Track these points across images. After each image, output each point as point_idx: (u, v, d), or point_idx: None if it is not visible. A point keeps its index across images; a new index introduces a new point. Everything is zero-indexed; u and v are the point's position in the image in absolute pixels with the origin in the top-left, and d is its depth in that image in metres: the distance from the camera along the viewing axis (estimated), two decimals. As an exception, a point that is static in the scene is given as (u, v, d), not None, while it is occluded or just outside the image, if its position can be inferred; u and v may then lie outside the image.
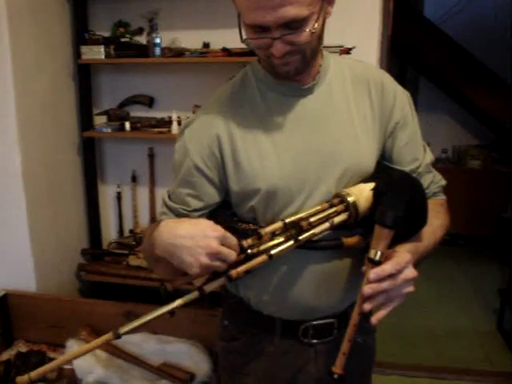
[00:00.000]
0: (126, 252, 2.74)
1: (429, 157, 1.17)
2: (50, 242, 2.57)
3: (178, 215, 1.09)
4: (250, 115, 1.06)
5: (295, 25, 0.90)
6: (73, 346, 2.15)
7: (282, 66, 0.98)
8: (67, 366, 2.07)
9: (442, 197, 1.19)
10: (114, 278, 2.65)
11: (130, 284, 2.61)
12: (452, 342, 3.20)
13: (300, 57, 0.97)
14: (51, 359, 2.20)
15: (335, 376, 0.92)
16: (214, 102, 1.11)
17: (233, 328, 1.22)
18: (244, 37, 0.95)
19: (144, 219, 2.94)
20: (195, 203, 1.09)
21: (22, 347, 2.31)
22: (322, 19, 0.96)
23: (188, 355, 2.10)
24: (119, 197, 2.94)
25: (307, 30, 0.92)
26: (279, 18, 0.88)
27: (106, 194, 2.98)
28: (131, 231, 2.92)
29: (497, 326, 3.35)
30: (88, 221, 2.88)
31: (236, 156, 1.04)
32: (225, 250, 0.90)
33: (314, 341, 1.14)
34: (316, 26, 0.92)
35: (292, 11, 0.87)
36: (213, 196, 1.09)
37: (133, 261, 2.64)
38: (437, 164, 4.94)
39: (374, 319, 0.91)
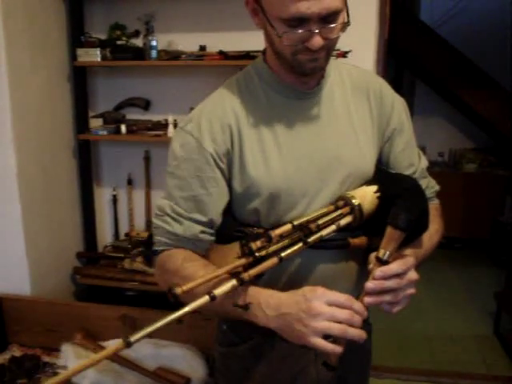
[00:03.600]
0: (122, 255, 2.73)
1: (424, 162, 1.20)
2: (45, 245, 2.55)
3: (193, 232, 1.05)
4: (255, 114, 1.06)
5: (331, 18, 0.92)
6: (67, 350, 2.13)
7: (310, 63, 0.98)
8: (61, 371, 2.06)
9: (436, 201, 1.22)
10: (109, 282, 2.63)
11: (126, 288, 2.60)
12: (448, 346, 3.19)
13: (325, 53, 0.98)
14: (46, 363, 2.19)
15: (329, 368, 0.92)
16: (220, 96, 1.09)
17: (232, 333, 1.20)
18: (275, 32, 0.95)
19: (140, 223, 2.93)
20: (217, 206, 1.05)
21: (17, 351, 2.29)
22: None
23: (184, 359, 2.09)
24: (115, 200, 2.93)
25: (340, 24, 0.94)
26: (323, 9, 0.89)
27: (102, 196, 2.96)
28: (127, 234, 2.91)
29: (493, 330, 3.34)
30: (83, 224, 2.87)
31: (242, 154, 1.04)
32: (328, 309, 0.86)
33: None
34: (346, 20, 0.95)
35: (334, 3, 0.90)
36: (227, 195, 1.07)
37: (128, 264, 2.62)
38: (433, 167, 4.97)
39: (395, 310, 0.94)
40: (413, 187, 1.07)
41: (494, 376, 2.86)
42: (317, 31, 0.92)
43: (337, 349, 0.87)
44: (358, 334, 0.87)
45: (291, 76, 1.05)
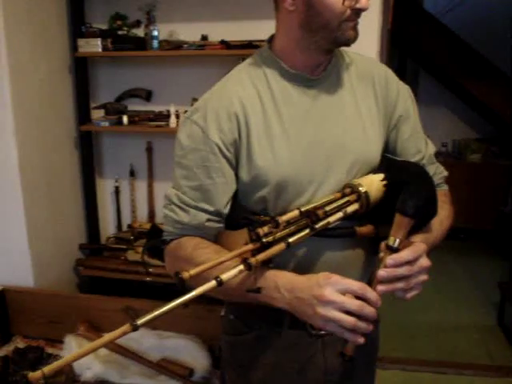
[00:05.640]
0: (125, 247, 2.73)
1: (431, 148, 1.20)
2: (48, 237, 2.55)
3: (201, 222, 1.05)
4: (262, 102, 1.05)
5: None
6: (71, 342, 2.14)
7: (352, 31, 1.01)
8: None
9: (445, 187, 1.22)
10: (112, 273, 2.63)
11: (129, 279, 2.60)
12: (452, 337, 3.19)
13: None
14: (49, 355, 2.19)
15: (346, 358, 0.93)
16: (225, 85, 1.09)
17: (239, 322, 1.20)
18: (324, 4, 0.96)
19: (142, 214, 2.92)
20: (223, 196, 1.05)
21: (20, 343, 2.30)
22: None
23: (187, 350, 2.09)
24: (117, 191, 2.92)
25: None
26: None
27: (104, 188, 2.96)
28: (129, 226, 2.90)
29: (497, 321, 3.34)
30: (86, 215, 2.87)
31: (249, 143, 1.03)
32: (339, 298, 0.86)
33: (322, 332, 1.13)
34: None
35: None
36: (234, 184, 1.07)
37: (131, 256, 2.62)
38: (437, 158, 4.92)
39: (409, 296, 0.94)
40: (419, 173, 1.07)
41: (497, 366, 2.86)
42: None
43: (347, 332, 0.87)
44: (365, 327, 0.87)
45: (306, 58, 1.05)
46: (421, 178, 1.05)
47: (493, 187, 4.75)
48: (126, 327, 0.77)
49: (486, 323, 3.35)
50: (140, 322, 0.78)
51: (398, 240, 0.93)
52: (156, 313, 0.79)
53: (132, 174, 2.89)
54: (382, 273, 0.91)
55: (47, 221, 2.54)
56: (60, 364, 0.77)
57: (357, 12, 0.98)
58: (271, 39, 1.11)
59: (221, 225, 1.08)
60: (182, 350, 2.10)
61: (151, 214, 2.90)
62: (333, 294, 0.86)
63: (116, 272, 2.62)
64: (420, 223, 1.03)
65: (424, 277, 0.94)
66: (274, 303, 0.94)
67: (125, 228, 2.95)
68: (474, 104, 5.09)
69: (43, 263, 2.51)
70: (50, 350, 2.23)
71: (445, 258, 4.29)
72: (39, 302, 2.32)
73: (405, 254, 0.92)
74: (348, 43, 1.03)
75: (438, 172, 1.20)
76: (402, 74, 5.08)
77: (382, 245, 0.96)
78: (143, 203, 2.92)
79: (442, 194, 1.17)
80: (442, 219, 1.11)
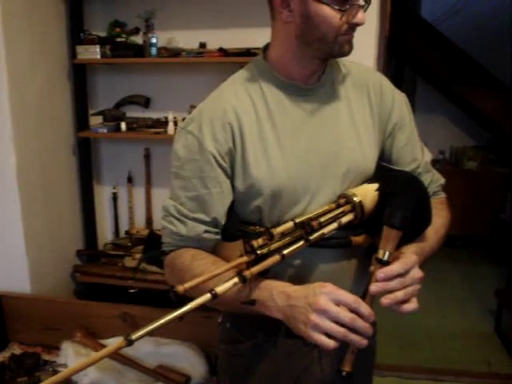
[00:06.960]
0: (122, 253, 2.72)
1: (427, 156, 1.20)
2: (45, 243, 2.55)
3: (197, 232, 1.05)
4: (256, 112, 1.05)
5: None
6: (68, 348, 2.13)
7: (348, 44, 1.01)
8: (61, 369, 2.05)
9: (442, 195, 1.22)
10: (109, 280, 2.63)
11: (126, 285, 2.59)
12: (450, 344, 3.19)
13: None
14: (46, 361, 2.19)
15: (343, 374, 0.93)
16: (220, 95, 1.09)
17: (235, 331, 1.20)
18: (335, 9, 0.96)
19: (140, 220, 2.92)
20: (220, 206, 1.06)
21: (17, 349, 2.29)
22: None
23: (184, 357, 2.09)
24: (115, 197, 2.93)
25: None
26: None
27: (102, 194, 2.96)
28: (127, 232, 2.90)
29: (494, 328, 3.34)
30: (83, 222, 2.86)
31: (244, 152, 1.03)
32: (333, 308, 0.85)
33: None
34: None
35: None
36: (231, 194, 1.07)
37: (128, 262, 2.62)
38: (434, 165, 4.88)
39: (405, 309, 0.92)
40: (407, 183, 1.06)
41: (495, 373, 2.86)
42: (365, 4, 0.98)
43: (332, 343, 0.86)
44: (358, 339, 0.86)
45: (301, 68, 1.05)
46: (408, 187, 1.05)
47: (490, 194, 4.76)
48: (120, 342, 0.77)
49: (483, 330, 3.35)
50: (135, 336, 0.77)
51: (387, 253, 0.93)
52: (151, 327, 0.79)
53: (130, 180, 2.89)
54: (373, 288, 0.90)
55: (44, 227, 2.54)
56: (54, 381, 0.76)
57: (353, 26, 0.99)
58: (266, 48, 1.11)
59: (218, 237, 1.08)
60: (178, 356, 2.09)
61: (149, 221, 2.90)
62: (327, 303, 0.86)
63: (113, 278, 2.61)
64: (414, 233, 1.03)
65: (417, 287, 0.93)
66: (267, 312, 0.94)
67: (122, 234, 2.94)
68: (471, 112, 5.11)
69: (40, 269, 2.50)
70: (46, 357, 2.22)
71: (442, 265, 4.29)
72: (36, 308, 2.32)
73: (395, 267, 0.91)
74: (343, 56, 1.04)
75: (434, 180, 1.19)
76: (399, 82, 5.11)
77: (373, 258, 0.96)
78: (141, 210, 2.92)
79: (439, 201, 1.17)
80: (438, 228, 1.11)
